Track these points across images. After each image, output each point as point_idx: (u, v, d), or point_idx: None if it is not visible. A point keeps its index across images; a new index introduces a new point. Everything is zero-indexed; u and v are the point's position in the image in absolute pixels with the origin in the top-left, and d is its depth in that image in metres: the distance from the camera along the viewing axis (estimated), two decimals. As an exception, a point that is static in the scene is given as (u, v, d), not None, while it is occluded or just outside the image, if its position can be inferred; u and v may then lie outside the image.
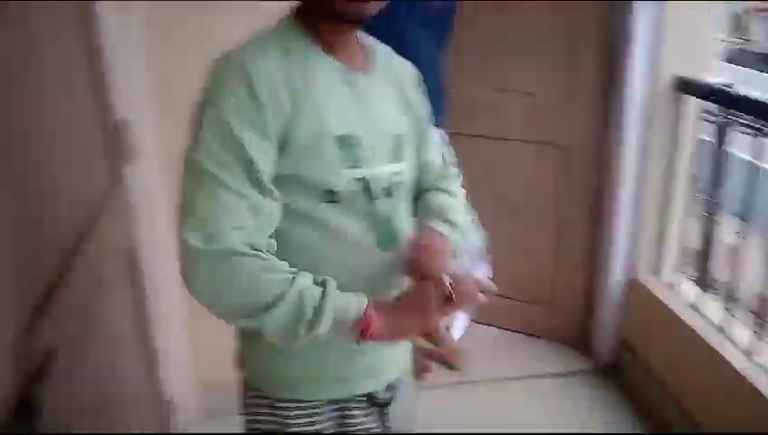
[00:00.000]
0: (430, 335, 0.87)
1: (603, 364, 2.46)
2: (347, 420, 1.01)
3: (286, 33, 0.90)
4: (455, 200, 1.10)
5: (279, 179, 0.85)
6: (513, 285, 2.45)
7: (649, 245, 2.32)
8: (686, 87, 2.12)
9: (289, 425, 0.98)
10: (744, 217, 1.97)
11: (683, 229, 2.24)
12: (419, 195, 1.10)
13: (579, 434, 2.09)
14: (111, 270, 1.34)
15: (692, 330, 1.97)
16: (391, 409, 1.06)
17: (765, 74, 11.37)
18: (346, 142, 0.88)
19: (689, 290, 2.19)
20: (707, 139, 2.14)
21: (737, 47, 13.54)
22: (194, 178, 0.81)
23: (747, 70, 11.87)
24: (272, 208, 0.84)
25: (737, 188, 1.98)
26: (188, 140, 0.83)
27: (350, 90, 0.91)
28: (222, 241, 0.78)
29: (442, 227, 1.01)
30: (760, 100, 1.84)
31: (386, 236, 0.95)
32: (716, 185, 2.11)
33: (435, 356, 1.97)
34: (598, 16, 2.26)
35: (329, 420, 1.00)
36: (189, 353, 1.99)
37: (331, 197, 0.89)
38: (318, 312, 0.79)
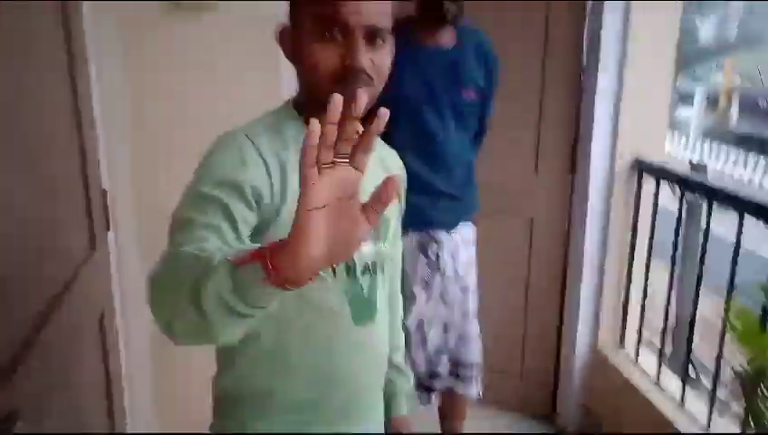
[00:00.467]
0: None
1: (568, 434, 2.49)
2: None
3: (281, 114, 0.97)
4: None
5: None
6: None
7: (613, 316, 2.39)
8: (645, 168, 2.26)
9: None
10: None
11: (648, 302, 2.32)
12: None
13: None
14: (83, 331, 1.39)
15: (651, 404, 2.02)
16: None
17: (740, 150, 11.82)
18: None
19: (650, 362, 2.25)
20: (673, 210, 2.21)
21: (714, 124, 14.10)
22: (174, 228, 0.83)
23: (724, 146, 12.33)
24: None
25: (712, 263, 1.95)
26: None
27: None
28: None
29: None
30: (706, 184, 1.95)
31: (361, 310, 0.99)
32: (684, 257, 2.15)
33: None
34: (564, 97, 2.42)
35: None
36: (154, 411, 2.00)
37: None
38: (211, 258, 0.70)
